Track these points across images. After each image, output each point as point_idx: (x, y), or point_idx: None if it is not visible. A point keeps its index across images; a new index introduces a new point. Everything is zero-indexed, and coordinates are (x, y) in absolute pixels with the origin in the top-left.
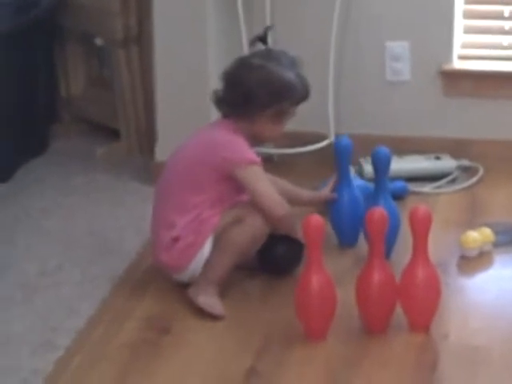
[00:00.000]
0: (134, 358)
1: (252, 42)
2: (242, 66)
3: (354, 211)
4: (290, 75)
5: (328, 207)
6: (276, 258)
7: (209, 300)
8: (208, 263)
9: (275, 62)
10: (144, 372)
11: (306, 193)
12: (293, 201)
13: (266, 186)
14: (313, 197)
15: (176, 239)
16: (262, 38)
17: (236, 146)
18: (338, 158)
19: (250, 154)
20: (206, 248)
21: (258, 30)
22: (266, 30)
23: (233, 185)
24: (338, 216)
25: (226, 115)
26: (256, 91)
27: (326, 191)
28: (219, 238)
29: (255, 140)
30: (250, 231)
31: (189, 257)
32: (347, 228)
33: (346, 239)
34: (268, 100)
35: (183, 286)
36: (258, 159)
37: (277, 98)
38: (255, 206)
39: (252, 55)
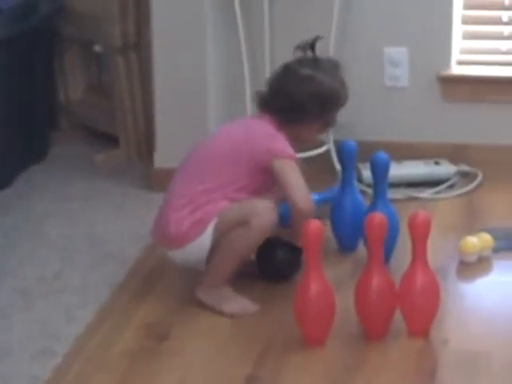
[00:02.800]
0: (132, 366)
1: (299, 48)
2: (291, 76)
3: (355, 216)
4: (335, 84)
5: (329, 211)
6: (276, 263)
7: (234, 304)
8: (213, 267)
9: (323, 71)
10: (143, 380)
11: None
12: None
13: (299, 179)
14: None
15: (189, 214)
16: (311, 46)
17: (279, 141)
18: (341, 162)
19: (291, 150)
20: (208, 235)
21: (256, 39)
22: (316, 39)
23: (265, 179)
24: (340, 221)
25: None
26: (308, 104)
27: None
28: (224, 241)
29: (294, 140)
30: (255, 234)
31: (193, 233)
32: (348, 233)
33: (347, 244)
34: (320, 111)
35: (183, 292)
36: (297, 158)
37: (327, 109)
38: (261, 203)
39: (299, 63)
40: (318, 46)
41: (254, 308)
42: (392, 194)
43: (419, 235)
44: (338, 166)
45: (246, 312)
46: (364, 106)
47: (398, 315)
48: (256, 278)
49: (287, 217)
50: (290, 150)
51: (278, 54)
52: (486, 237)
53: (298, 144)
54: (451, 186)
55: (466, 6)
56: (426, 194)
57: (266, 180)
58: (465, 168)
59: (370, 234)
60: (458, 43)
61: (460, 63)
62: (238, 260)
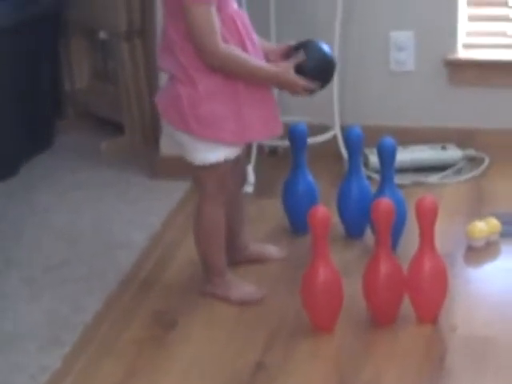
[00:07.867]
0: (141, 354)
1: None
2: None
3: (362, 202)
4: None
5: (337, 197)
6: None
7: (240, 291)
8: (201, 259)
9: None
10: (151, 368)
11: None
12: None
13: (207, 22)
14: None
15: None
16: None
17: None
18: (348, 149)
19: None
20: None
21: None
22: None
23: None
24: (347, 207)
25: None
26: None
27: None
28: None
29: None
30: (208, 218)
31: (171, 107)
32: (355, 219)
33: (354, 230)
34: None
35: (190, 280)
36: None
37: None
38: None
39: None
40: (323, 30)
41: (261, 294)
42: (398, 179)
43: (426, 220)
44: (344, 152)
45: (252, 299)
46: (370, 90)
47: (406, 301)
48: (258, 264)
49: None
50: None
51: (283, 37)
52: (494, 221)
53: None
54: (458, 171)
55: None
56: (433, 179)
57: None
58: (471, 152)
59: (378, 219)
60: (464, 26)
61: (466, 47)
62: (215, 244)
